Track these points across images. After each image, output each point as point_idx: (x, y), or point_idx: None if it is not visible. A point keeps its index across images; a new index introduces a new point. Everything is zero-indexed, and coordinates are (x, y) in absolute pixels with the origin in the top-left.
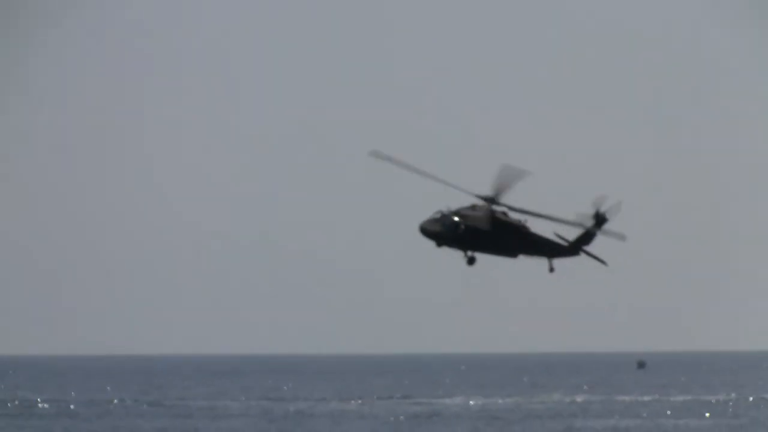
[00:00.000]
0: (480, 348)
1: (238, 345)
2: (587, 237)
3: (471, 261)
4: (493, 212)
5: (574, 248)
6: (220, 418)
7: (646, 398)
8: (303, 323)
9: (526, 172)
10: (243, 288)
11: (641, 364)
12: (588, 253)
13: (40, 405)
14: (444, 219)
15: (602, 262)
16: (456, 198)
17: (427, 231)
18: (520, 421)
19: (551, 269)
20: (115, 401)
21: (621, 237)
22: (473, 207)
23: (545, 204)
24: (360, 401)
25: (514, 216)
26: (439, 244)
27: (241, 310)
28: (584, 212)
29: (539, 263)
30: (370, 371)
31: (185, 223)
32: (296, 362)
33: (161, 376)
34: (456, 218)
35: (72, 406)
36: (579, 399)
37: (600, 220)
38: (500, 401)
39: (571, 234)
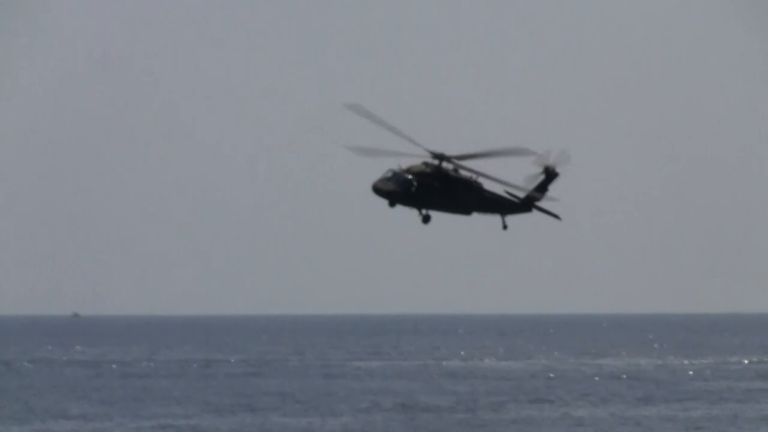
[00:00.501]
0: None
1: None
2: (539, 191)
3: (426, 219)
4: (444, 169)
5: (526, 204)
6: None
7: None
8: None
9: (532, 152)
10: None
11: None
12: (540, 209)
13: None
14: (396, 177)
15: (556, 216)
16: (407, 155)
17: (380, 190)
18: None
19: (504, 226)
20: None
21: (553, 199)
22: (425, 164)
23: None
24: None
25: (464, 174)
26: (392, 203)
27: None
28: (533, 169)
29: (492, 220)
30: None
31: None
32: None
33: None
34: (409, 176)
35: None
36: None
37: (550, 174)
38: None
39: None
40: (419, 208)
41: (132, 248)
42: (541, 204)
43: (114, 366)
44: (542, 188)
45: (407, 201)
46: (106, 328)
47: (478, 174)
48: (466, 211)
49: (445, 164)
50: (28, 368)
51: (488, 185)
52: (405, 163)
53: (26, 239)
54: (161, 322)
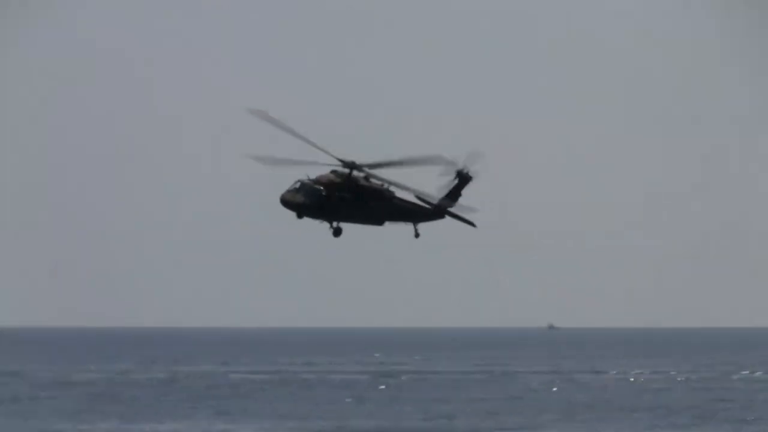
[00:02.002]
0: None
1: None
2: (451, 197)
3: (337, 232)
4: (355, 178)
5: (439, 211)
6: None
7: None
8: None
9: (451, 162)
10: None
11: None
12: (454, 215)
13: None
14: (305, 188)
15: (470, 223)
16: (317, 166)
17: (288, 202)
18: None
19: (417, 235)
20: None
21: (472, 209)
22: (335, 174)
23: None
24: None
25: (375, 182)
26: (300, 215)
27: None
28: (448, 171)
29: (403, 229)
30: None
31: None
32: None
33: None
34: (319, 186)
35: None
36: None
37: (463, 178)
38: None
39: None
40: (330, 221)
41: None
42: (454, 210)
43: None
44: (455, 194)
45: (317, 213)
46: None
47: (390, 183)
48: (379, 221)
49: (355, 173)
50: None
51: (400, 193)
52: (314, 173)
53: None
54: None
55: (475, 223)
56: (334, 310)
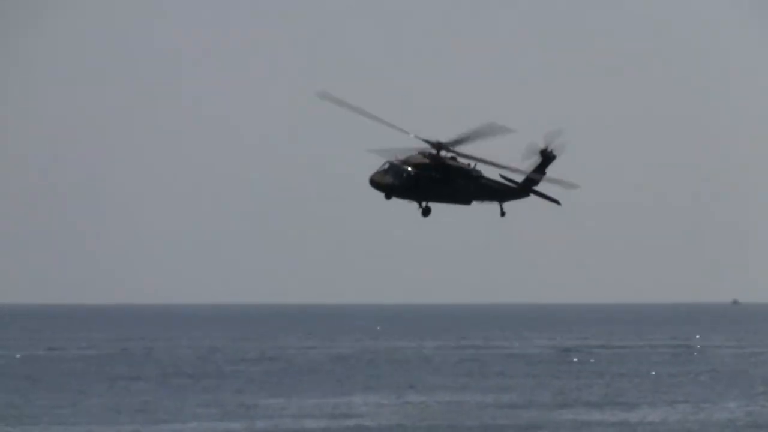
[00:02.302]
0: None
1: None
2: (536, 176)
3: (426, 212)
4: (443, 158)
5: (524, 189)
6: None
7: None
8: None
9: (508, 129)
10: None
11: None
12: (538, 193)
13: None
14: (394, 169)
15: (555, 201)
16: (402, 143)
17: (377, 183)
18: None
19: (503, 213)
20: None
21: (572, 185)
22: (422, 154)
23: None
24: None
25: (462, 161)
26: (389, 195)
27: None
28: (532, 150)
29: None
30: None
31: None
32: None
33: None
34: (408, 167)
35: None
36: None
37: (547, 157)
38: None
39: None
40: (418, 201)
41: None
42: (539, 188)
43: None
44: (539, 172)
45: (406, 194)
46: None
47: (477, 160)
48: (466, 200)
49: (443, 153)
50: None
51: (486, 170)
52: (402, 153)
53: None
54: None
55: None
56: (506, 287)
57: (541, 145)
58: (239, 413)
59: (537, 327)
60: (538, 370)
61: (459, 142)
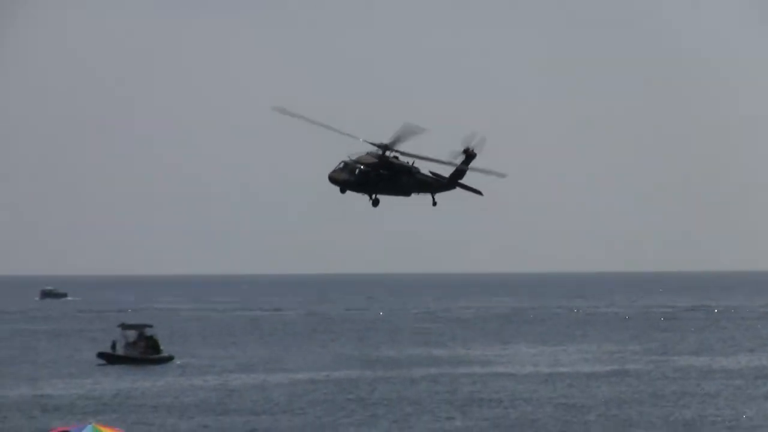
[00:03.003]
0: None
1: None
2: (460, 172)
3: (375, 203)
4: (388, 158)
5: (451, 183)
6: None
7: None
8: None
9: (422, 129)
10: None
11: None
12: (463, 186)
13: None
14: (348, 167)
15: (478, 192)
16: (352, 147)
17: (334, 179)
18: None
19: (434, 203)
20: None
21: (501, 175)
22: (371, 155)
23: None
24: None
25: (403, 159)
26: (343, 190)
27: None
28: (455, 150)
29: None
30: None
31: None
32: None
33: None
34: (360, 166)
35: None
36: None
37: (469, 155)
38: None
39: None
40: (369, 194)
41: None
42: (463, 182)
43: None
44: (463, 169)
45: (358, 188)
46: None
47: (415, 157)
48: (407, 193)
49: (388, 153)
50: None
51: (423, 165)
52: (354, 154)
53: None
54: None
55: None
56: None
57: (463, 146)
58: None
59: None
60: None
61: (395, 142)
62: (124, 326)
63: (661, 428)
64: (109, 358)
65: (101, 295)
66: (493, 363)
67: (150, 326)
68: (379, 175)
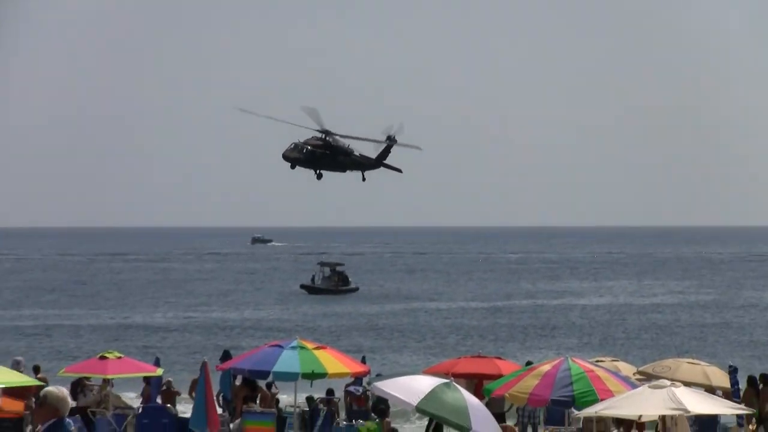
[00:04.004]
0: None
1: None
2: (384, 154)
3: (319, 176)
4: (329, 141)
5: (377, 163)
6: None
7: None
8: None
9: (313, 108)
10: None
11: None
12: (386, 165)
13: None
14: (298, 147)
15: (398, 170)
16: (300, 133)
17: (288, 157)
18: None
19: (363, 179)
20: None
21: (417, 147)
22: (316, 138)
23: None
24: None
25: (341, 141)
26: (293, 166)
27: None
28: (380, 136)
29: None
30: None
31: None
32: None
33: None
34: (308, 146)
35: None
36: None
37: (390, 142)
38: None
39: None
40: (314, 169)
41: None
42: (387, 162)
43: None
44: (386, 152)
45: (305, 164)
46: None
47: (351, 138)
48: (343, 170)
49: (329, 137)
50: None
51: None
52: (302, 138)
53: None
54: None
55: None
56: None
57: (386, 134)
58: None
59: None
60: None
61: (344, 136)
62: (322, 264)
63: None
64: (309, 289)
65: (303, 241)
66: (607, 294)
67: (341, 264)
68: (323, 154)
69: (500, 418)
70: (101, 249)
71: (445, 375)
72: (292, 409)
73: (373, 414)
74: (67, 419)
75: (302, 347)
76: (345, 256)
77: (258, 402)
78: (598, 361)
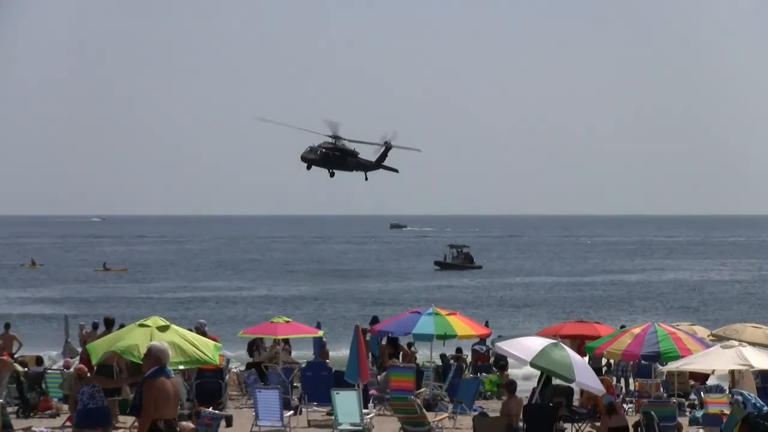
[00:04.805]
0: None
1: None
2: (382, 157)
3: (332, 175)
4: (338, 144)
5: (377, 165)
6: None
7: None
8: None
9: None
10: None
11: None
12: (385, 167)
13: None
14: (313, 150)
15: (395, 170)
16: (313, 139)
17: (305, 158)
18: None
19: (366, 178)
20: None
21: (417, 150)
22: (326, 142)
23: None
24: None
25: (348, 145)
26: (309, 167)
27: None
28: (378, 142)
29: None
30: None
31: None
32: None
33: None
34: (322, 149)
35: None
36: None
37: (387, 146)
38: None
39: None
40: (328, 169)
41: None
42: (385, 164)
43: None
44: (384, 155)
45: (320, 164)
46: None
47: (356, 142)
48: (350, 170)
49: (338, 141)
50: None
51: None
52: (316, 142)
53: None
54: None
55: None
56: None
57: (383, 140)
58: None
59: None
60: None
61: (350, 140)
62: (451, 246)
63: None
64: (442, 266)
65: (429, 226)
66: (684, 270)
67: (467, 246)
68: (335, 156)
69: (598, 371)
70: (302, 233)
71: (553, 336)
72: (428, 364)
73: (494, 368)
74: (168, 368)
75: (437, 313)
76: (471, 239)
77: (400, 358)
78: (678, 325)
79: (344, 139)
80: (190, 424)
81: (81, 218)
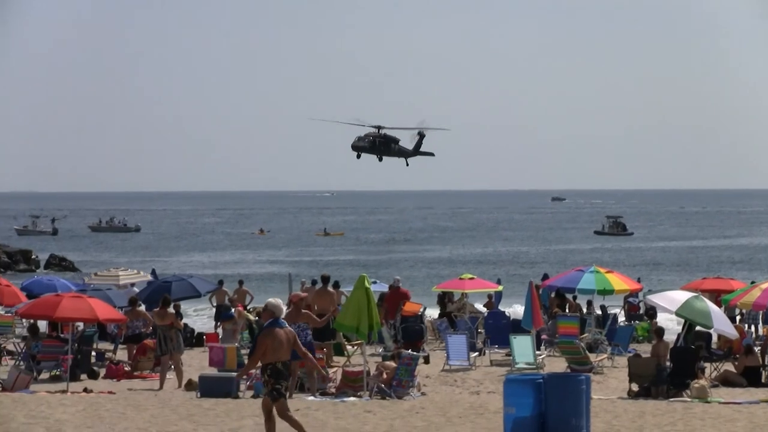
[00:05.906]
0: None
1: None
2: (418, 145)
3: (380, 160)
4: (383, 133)
5: (415, 152)
6: None
7: None
8: None
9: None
10: None
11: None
12: (422, 153)
13: None
14: (362, 139)
15: (431, 154)
16: (359, 129)
17: (355, 147)
18: None
19: (407, 164)
20: None
21: (446, 129)
22: (372, 132)
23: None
24: None
25: (390, 134)
26: (359, 155)
27: None
28: (414, 131)
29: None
30: None
31: None
32: None
33: None
34: (369, 138)
35: None
36: None
37: (421, 135)
38: None
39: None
40: (376, 155)
41: None
42: (422, 150)
43: None
44: (420, 143)
45: (369, 151)
46: None
47: (398, 129)
48: (393, 155)
49: (382, 131)
50: None
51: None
52: (363, 132)
53: None
54: None
55: None
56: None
57: (418, 129)
58: None
59: None
60: None
61: (392, 128)
62: (608, 216)
63: None
64: (600, 234)
65: (583, 199)
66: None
67: (621, 216)
68: (381, 143)
69: (732, 320)
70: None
71: (694, 290)
72: (589, 314)
73: (645, 317)
74: (281, 320)
75: (597, 272)
76: (621, 209)
77: (567, 309)
78: None
79: (386, 127)
80: (392, 364)
81: (316, 192)
